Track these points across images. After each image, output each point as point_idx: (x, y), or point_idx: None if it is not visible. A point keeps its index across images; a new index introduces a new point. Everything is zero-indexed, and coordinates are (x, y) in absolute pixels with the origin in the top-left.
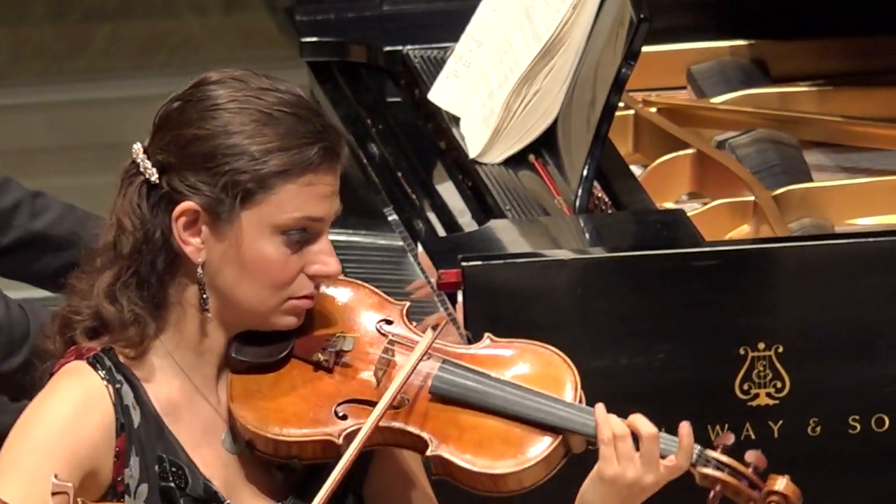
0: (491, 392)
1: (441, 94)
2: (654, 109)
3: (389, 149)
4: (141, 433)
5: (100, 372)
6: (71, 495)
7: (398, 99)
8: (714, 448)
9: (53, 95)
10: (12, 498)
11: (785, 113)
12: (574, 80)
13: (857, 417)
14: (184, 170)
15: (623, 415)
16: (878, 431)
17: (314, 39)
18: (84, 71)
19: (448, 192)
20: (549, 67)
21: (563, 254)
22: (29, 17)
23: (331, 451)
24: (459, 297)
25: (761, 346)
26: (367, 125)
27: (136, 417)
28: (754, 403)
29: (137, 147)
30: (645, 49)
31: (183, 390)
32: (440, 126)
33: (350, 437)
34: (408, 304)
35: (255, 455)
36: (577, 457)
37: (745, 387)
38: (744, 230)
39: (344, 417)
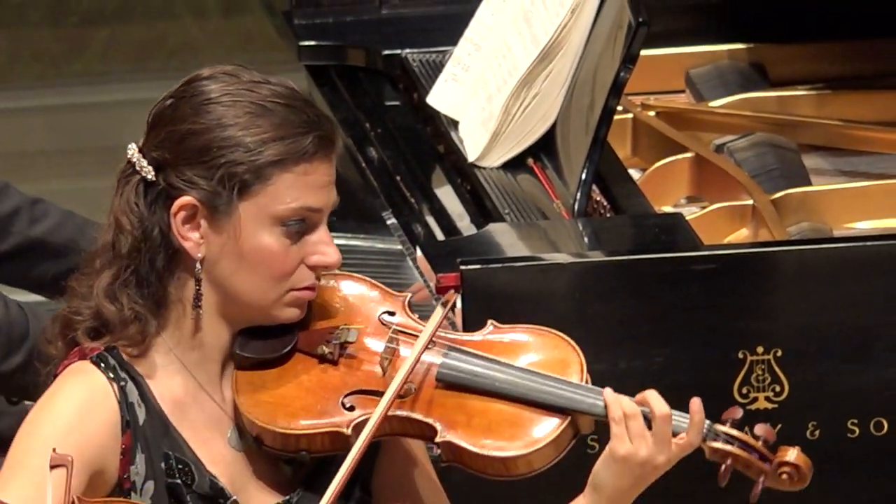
0: (497, 376)
1: (440, 97)
2: (652, 113)
3: (388, 152)
4: (146, 430)
5: (104, 370)
6: (70, 468)
7: (397, 103)
8: (723, 423)
9: (52, 99)
10: (21, 499)
11: (783, 116)
12: (572, 84)
13: (855, 421)
14: (180, 165)
15: None
16: (877, 435)
17: (312, 43)
18: (82, 74)
19: (447, 195)
20: (547, 71)
21: (562, 257)
22: (27, 20)
23: (339, 443)
24: (458, 302)
25: (760, 349)
26: (365, 129)
27: (141, 415)
28: (753, 407)
29: (133, 147)
30: (643, 53)
31: (187, 387)
32: (439, 130)
33: (358, 427)
34: (409, 295)
35: (263, 450)
36: (573, 453)
37: (744, 390)
38: (742, 234)
39: (351, 408)
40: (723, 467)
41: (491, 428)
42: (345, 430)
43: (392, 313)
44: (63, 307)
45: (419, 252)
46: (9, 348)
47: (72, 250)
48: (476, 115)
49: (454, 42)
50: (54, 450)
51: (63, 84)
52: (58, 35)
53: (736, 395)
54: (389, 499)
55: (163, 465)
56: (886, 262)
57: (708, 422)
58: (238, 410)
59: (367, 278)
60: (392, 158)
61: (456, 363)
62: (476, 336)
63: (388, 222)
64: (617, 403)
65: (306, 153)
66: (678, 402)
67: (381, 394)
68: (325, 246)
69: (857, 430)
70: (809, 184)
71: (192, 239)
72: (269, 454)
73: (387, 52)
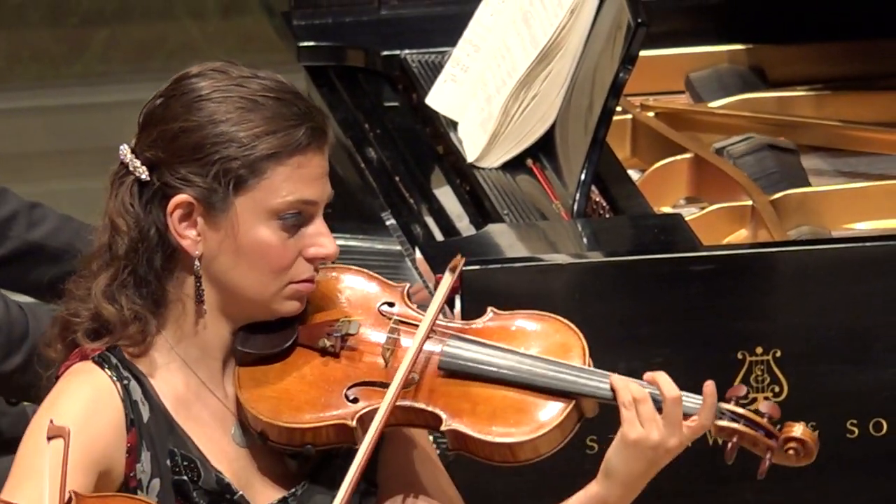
0: (500, 363)
1: (439, 98)
2: (651, 114)
3: (387, 153)
4: (151, 428)
5: (107, 370)
6: (67, 439)
7: (396, 103)
8: (727, 400)
9: (51, 99)
10: (33, 500)
11: (782, 117)
12: (572, 85)
13: (854, 421)
14: (174, 164)
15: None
16: (876, 435)
17: (312, 44)
18: (82, 75)
19: (446, 196)
20: (546, 72)
21: (561, 258)
22: (26, 20)
23: (345, 435)
24: (457, 302)
25: (759, 350)
26: (364, 130)
27: (145, 413)
28: (752, 408)
29: (125, 148)
30: (643, 53)
31: (189, 385)
32: (438, 130)
33: (363, 419)
34: (407, 285)
35: (267, 445)
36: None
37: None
38: (741, 235)
39: (355, 400)
40: (729, 445)
41: (496, 414)
42: (350, 422)
43: (391, 304)
44: (61, 310)
45: (418, 253)
46: (9, 348)
47: (69, 254)
48: (475, 115)
49: (453, 43)
50: (51, 421)
51: (62, 85)
52: (57, 36)
53: None
54: (395, 489)
55: (168, 462)
56: (885, 262)
57: None
58: (241, 407)
59: (365, 270)
60: (391, 159)
61: (458, 351)
62: (476, 323)
63: (388, 223)
64: (626, 388)
65: (300, 145)
66: None
67: (384, 385)
68: (322, 237)
69: (857, 431)
70: (809, 185)
71: (189, 237)
72: (274, 449)
73: (386, 52)
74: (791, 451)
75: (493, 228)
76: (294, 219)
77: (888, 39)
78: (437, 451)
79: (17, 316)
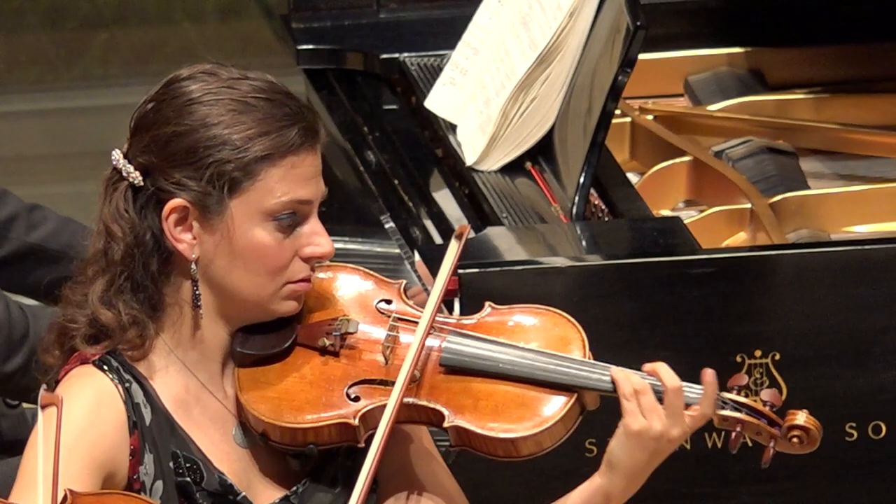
0: (501, 357)
1: (438, 101)
2: (650, 117)
3: (386, 156)
4: (153, 430)
5: (108, 373)
6: (60, 406)
7: (395, 106)
8: (728, 390)
9: (50, 103)
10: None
11: (781, 120)
12: (570, 88)
13: (853, 425)
14: (168, 168)
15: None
16: (875, 438)
17: (310, 47)
18: (80, 78)
19: (445, 199)
20: (545, 75)
21: (560, 261)
22: (25, 24)
23: (347, 434)
24: (456, 305)
25: (758, 353)
26: (363, 133)
27: (147, 415)
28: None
29: (117, 153)
30: (641, 56)
31: (189, 387)
32: (437, 134)
33: (365, 417)
34: (404, 281)
35: (269, 446)
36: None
37: (742, 394)
38: (740, 238)
39: (356, 399)
40: (733, 435)
41: (498, 410)
42: (352, 420)
43: (388, 301)
44: (58, 316)
45: (417, 256)
46: (9, 349)
47: (69, 256)
48: (474, 118)
49: (452, 46)
50: (44, 389)
51: (61, 88)
52: (56, 39)
53: None
54: (396, 486)
55: (171, 464)
56: (884, 265)
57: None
58: (242, 408)
59: (360, 268)
60: (390, 162)
61: (458, 347)
62: (475, 318)
63: (386, 226)
64: (627, 380)
65: (292, 146)
66: None
67: (384, 382)
68: (317, 237)
69: (856, 434)
70: (807, 189)
71: (185, 240)
72: (276, 449)
73: (385, 55)
74: (795, 439)
75: (491, 231)
76: (289, 219)
77: (886, 42)
78: (441, 450)
79: (17, 316)
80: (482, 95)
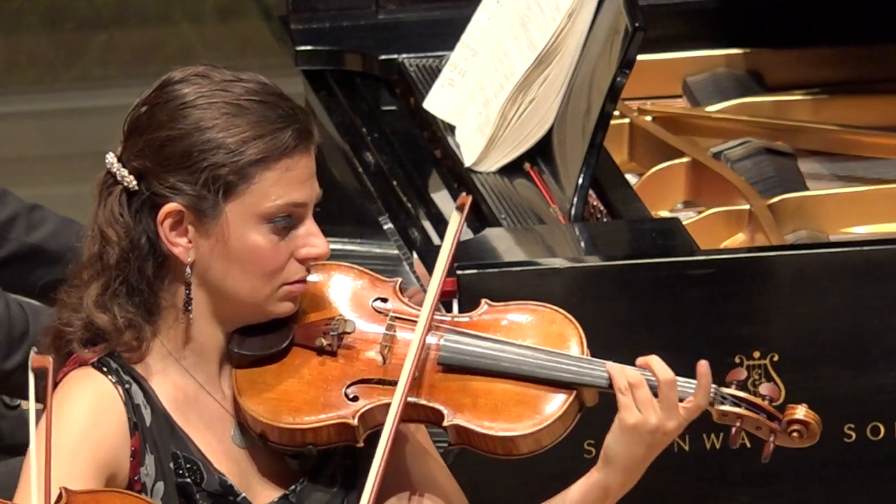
0: (499, 355)
1: (436, 102)
2: (649, 118)
3: (385, 157)
4: (154, 431)
5: (108, 374)
6: (51, 367)
7: (393, 107)
8: (727, 385)
9: (49, 104)
10: None
11: (780, 121)
12: (569, 89)
13: (852, 426)
14: (162, 172)
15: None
16: (874, 440)
17: (309, 48)
18: (79, 79)
19: (443, 200)
20: (544, 76)
21: (559, 262)
22: (24, 25)
23: (346, 434)
24: (455, 306)
25: (756, 354)
26: (362, 134)
27: (147, 416)
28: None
29: (111, 157)
30: (640, 58)
31: (187, 388)
32: (435, 135)
33: (364, 417)
34: (399, 279)
35: (268, 446)
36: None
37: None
38: (739, 239)
39: (355, 399)
40: (733, 430)
41: (497, 408)
42: (351, 420)
43: (384, 300)
44: (54, 319)
45: (416, 257)
46: (9, 346)
47: (69, 257)
48: (473, 119)
49: (451, 47)
50: (34, 351)
51: (60, 89)
52: (55, 40)
53: None
54: (394, 485)
55: (172, 465)
56: (883, 266)
57: (714, 385)
58: (240, 409)
59: (355, 266)
60: (389, 163)
61: (456, 345)
62: (472, 316)
63: (385, 227)
64: (621, 374)
65: (287, 148)
66: None
67: (383, 382)
68: (313, 238)
69: (854, 435)
70: (806, 190)
71: (180, 244)
72: (275, 450)
73: (383, 56)
74: (794, 434)
75: (490, 232)
76: (284, 221)
77: (885, 44)
78: (441, 450)
79: (17, 314)
80: (481, 96)
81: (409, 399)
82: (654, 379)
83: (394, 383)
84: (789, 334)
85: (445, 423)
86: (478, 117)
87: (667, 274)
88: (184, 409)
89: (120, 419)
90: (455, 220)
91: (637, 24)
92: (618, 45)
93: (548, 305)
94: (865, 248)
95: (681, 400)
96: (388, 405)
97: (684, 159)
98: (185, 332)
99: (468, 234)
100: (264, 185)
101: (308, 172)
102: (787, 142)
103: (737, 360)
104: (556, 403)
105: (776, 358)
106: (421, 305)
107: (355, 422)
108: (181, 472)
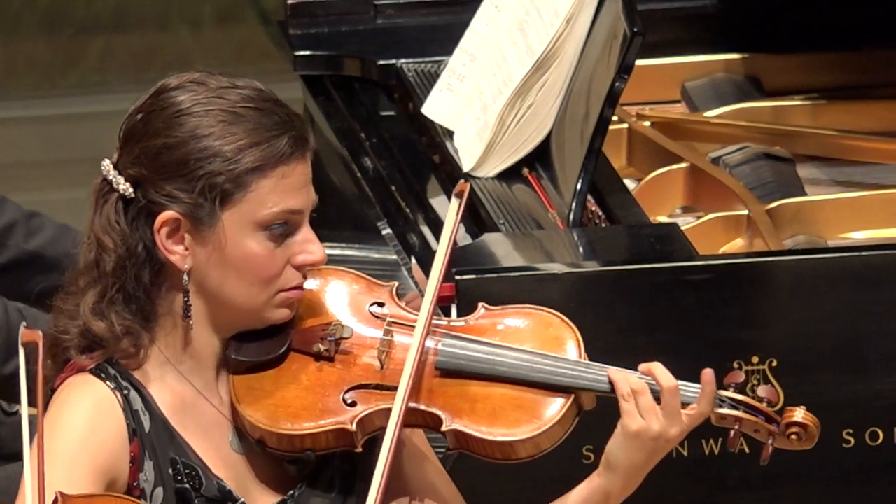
0: (497, 360)
1: (435, 107)
2: (647, 123)
3: (383, 162)
4: (152, 437)
5: (106, 381)
6: (41, 342)
7: (392, 113)
8: (725, 387)
9: (47, 109)
10: None
11: (778, 126)
12: (568, 94)
13: (850, 431)
14: (159, 180)
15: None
16: (872, 445)
17: (308, 53)
18: (77, 85)
19: (442, 205)
20: (542, 81)
21: (557, 267)
22: (22, 30)
23: (345, 439)
24: (453, 311)
25: (755, 359)
26: (360, 139)
27: (146, 422)
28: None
29: (107, 164)
30: (639, 63)
31: (186, 394)
32: (434, 140)
33: (363, 422)
34: (396, 283)
35: (266, 452)
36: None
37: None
38: (737, 244)
39: (353, 404)
40: (731, 433)
41: (496, 413)
42: (349, 426)
43: (381, 304)
44: (50, 327)
45: (414, 262)
46: (7, 352)
47: (68, 264)
48: (471, 125)
49: (449, 52)
50: (24, 326)
51: (58, 94)
52: (53, 45)
53: None
54: (394, 490)
55: (170, 470)
56: (881, 271)
57: None
58: (238, 415)
59: (351, 270)
60: (387, 168)
61: (454, 350)
62: (469, 320)
63: (384, 232)
64: (624, 381)
65: (283, 155)
66: None
67: (381, 387)
68: (309, 244)
69: (853, 440)
70: (804, 195)
71: (177, 252)
72: (273, 455)
73: (382, 61)
74: (793, 436)
75: (489, 238)
76: (281, 229)
77: (883, 49)
78: (439, 455)
79: (15, 319)
80: (479, 101)
81: (410, 405)
82: (655, 385)
83: (391, 388)
84: (788, 339)
85: (444, 429)
86: (476, 122)
87: (665, 279)
88: (182, 415)
89: (119, 425)
90: (454, 208)
91: (635, 29)
92: (616, 50)
93: (544, 309)
94: (864, 253)
95: (683, 406)
96: (386, 410)
97: (683, 164)
98: (182, 339)
99: (467, 240)
100: (261, 193)
101: (304, 179)
102: (785, 147)
103: (735, 365)
104: (554, 408)
105: (774, 363)
106: (418, 310)
107: (353, 427)
108: (180, 477)
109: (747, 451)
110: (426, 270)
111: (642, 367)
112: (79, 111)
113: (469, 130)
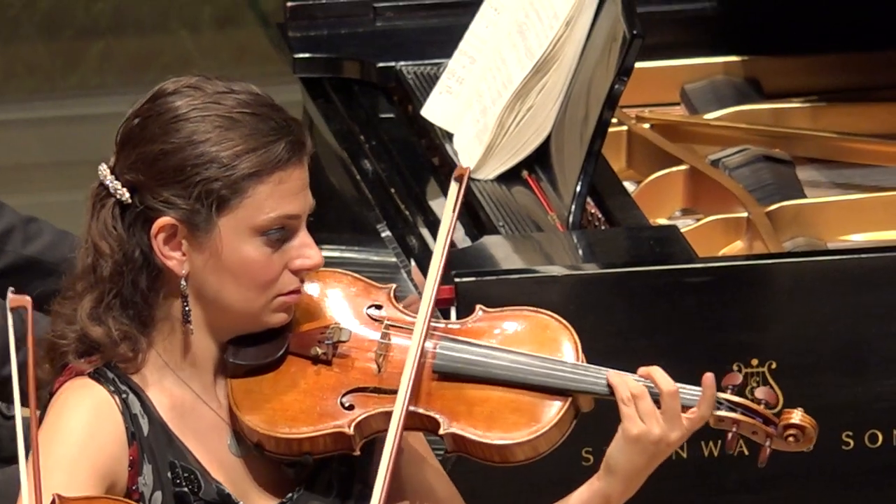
0: (494, 363)
1: (434, 110)
2: (647, 125)
3: (383, 165)
4: (151, 441)
5: (105, 384)
6: (29, 307)
7: (391, 115)
8: (723, 390)
9: (46, 112)
10: None
11: (778, 129)
12: (567, 97)
13: (850, 433)
14: (155, 186)
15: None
16: (872, 447)
17: (307, 55)
18: (77, 87)
19: (441, 208)
20: (542, 84)
21: (557, 270)
22: (22, 34)
23: (342, 443)
24: (453, 313)
25: (755, 362)
26: (360, 141)
27: (144, 425)
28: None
29: (104, 168)
30: (638, 65)
31: (184, 398)
32: (433, 142)
33: (360, 426)
34: (394, 286)
35: (265, 455)
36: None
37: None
38: (737, 246)
39: (351, 408)
40: (729, 435)
41: (493, 416)
42: (347, 429)
43: (379, 307)
44: (48, 331)
45: (413, 264)
46: (7, 353)
47: (66, 269)
48: (470, 127)
49: (449, 54)
50: (11, 291)
51: (58, 97)
52: (52, 49)
53: None
54: (393, 493)
55: (169, 474)
56: (881, 274)
57: None
58: (236, 419)
59: (349, 273)
60: (386, 171)
61: (451, 353)
62: (466, 323)
63: (383, 235)
64: (624, 385)
65: (280, 161)
66: None
67: (378, 390)
68: (307, 249)
69: (852, 443)
70: (804, 197)
71: (174, 258)
72: (272, 458)
73: (381, 64)
74: (791, 438)
75: (488, 240)
76: (278, 234)
77: (883, 51)
78: (438, 458)
79: (14, 321)
80: (479, 104)
81: (409, 408)
82: (655, 389)
83: (389, 392)
84: (787, 342)
85: (442, 432)
86: (476, 125)
87: (665, 281)
88: (180, 419)
89: (118, 429)
90: (453, 192)
91: (635, 32)
92: (616, 53)
93: (542, 311)
94: (863, 255)
95: (684, 409)
96: (383, 414)
97: (682, 167)
98: (180, 343)
99: (466, 242)
100: (257, 199)
101: (301, 184)
102: (785, 149)
103: (735, 367)
104: (551, 410)
105: (774, 365)
106: (417, 313)
107: (351, 431)
108: (178, 481)
109: (747, 453)
110: (426, 272)
111: (641, 371)
112: (78, 114)
113: (468, 133)
